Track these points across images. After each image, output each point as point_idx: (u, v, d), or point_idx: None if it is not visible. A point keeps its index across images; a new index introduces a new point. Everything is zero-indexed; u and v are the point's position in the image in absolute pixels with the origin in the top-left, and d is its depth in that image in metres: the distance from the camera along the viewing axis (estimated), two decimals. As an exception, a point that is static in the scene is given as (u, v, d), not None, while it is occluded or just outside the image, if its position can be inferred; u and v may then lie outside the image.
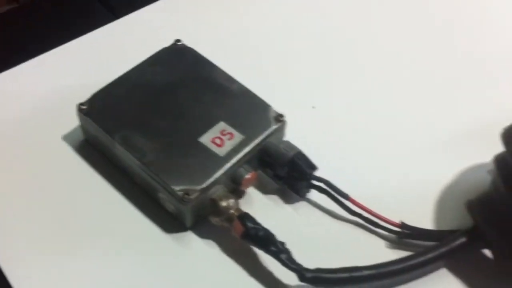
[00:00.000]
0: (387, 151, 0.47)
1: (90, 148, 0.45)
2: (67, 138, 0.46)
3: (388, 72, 0.52)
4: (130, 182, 0.43)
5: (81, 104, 0.43)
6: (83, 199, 0.43)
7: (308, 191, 0.43)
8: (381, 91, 0.51)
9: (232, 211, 0.39)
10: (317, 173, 0.42)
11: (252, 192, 0.44)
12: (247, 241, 0.39)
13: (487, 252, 0.41)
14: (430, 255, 0.39)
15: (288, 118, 0.45)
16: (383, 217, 0.41)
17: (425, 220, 0.42)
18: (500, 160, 0.38)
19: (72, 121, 0.45)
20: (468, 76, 0.52)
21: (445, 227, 0.42)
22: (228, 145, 0.41)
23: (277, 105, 0.44)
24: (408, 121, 0.49)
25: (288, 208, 0.43)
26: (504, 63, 0.53)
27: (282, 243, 0.38)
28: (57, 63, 0.51)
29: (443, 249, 0.39)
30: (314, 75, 0.52)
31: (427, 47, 0.54)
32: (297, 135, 0.44)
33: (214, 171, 0.39)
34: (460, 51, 0.54)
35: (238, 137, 0.41)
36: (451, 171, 0.45)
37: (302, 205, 0.44)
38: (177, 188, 0.39)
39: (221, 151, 0.41)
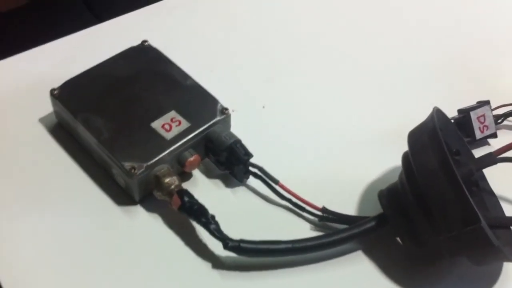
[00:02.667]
0: (322, 148, 0.52)
1: (61, 130, 0.52)
2: (42, 120, 0.52)
3: (330, 79, 0.58)
4: (92, 161, 0.49)
5: (53, 89, 0.49)
6: (49, 171, 0.49)
7: (247, 178, 0.49)
8: (324, 96, 0.57)
9: (172, 187, 0.45)
10: (256, 162, 0.48)
11: (198, 176, 0.50)
12: (183, 213, 0.45)
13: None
14: (341, 235, 0.44)
15: (240, 115, 0.52)
16: (308, 201, 0.47)
17: (347, 208, 0.48)
18: (404, 157, 0.44)
19: (49, 107, 0.52)
20: (400, 85, 0.58)
21: (365, 214, 0.47)
22: (175, 130, 0.47)
23: (232, 104, 0.51)
24: (344, 123, 0.55)
25: (228, 191, 0.49)
26: (429, 74, 0.59)
27: (213, 216, 0.44)
28: (41, 58, 0.58)
29: (354, 231, 0.44)
30: (267, 80, 0.58)
31: (368, 55, 0.61)
32: (246, 129, 0.51)
33: (160, 152, 0.45)
34: (396, 59, 0.60)
35: (185, 124, 0.47)
36: (378, 167, 0.51)
37: (241, 190, 0.49)
38: (125, 163, 0.45)
39: (168, 135, 0.47)
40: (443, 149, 0.39)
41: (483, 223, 0.37)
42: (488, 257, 0.40)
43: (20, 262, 0.44)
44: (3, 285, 0.42)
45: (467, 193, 0.37)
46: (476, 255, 0.40)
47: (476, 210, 0.37)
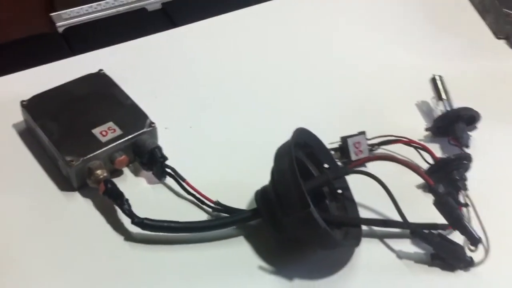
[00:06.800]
0: (227, 159, 0.67)
1: (28, 134, 0.67)
2: (15, 126, 0.68)
3: (244, 110, 0.73)
4: (46, 157, 0.64)
5: (23, 100, 0.65)
6: (12, 164, 0.64)
7: (164, 178, 0.63)
8: (237, 124, 0.71)
9: (101, 177, 0.59)
10: (174, 166, 0.62)
11: (128, 174, 0.64)
12: (106, 197, 0.58)
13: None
14: (222, 221, 0.58)
15: (172, 132, 0.67)
16: (206, 196, 0.60)
17: (240, 204, 0.61)
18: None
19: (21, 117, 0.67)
20: (304, 117, 0.72)
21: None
22: (110, 136, 0.61)
23: (166, 123, 0.67)
24: (250, 142, 0.69)
25: (149, 187, 0.63)
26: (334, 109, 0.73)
27: (127, 200, 0.58)
28: (23, 80, 0.74)
29: (233, 219, 0.58)
30: (197, 108, 0.73)
31: (273, 87, 0.76)
32: (174, 143, 0.66)
33: (95, 150, 0.60)
34: (304, 94, 0.75)
35: (118, 132, 0.62)
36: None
37: (159, 186, 0.63)
38: (66, 157, 0.59)
39: (104, 139, 0.61)
40: (290, 153, 0.52)
41: (312, 208, 0.50)
42: (324, 239, 0.53)
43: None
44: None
45: (303, 186, 0.51)
46: (314, 237, 0.53)
47: (307, 198, 0.50)
